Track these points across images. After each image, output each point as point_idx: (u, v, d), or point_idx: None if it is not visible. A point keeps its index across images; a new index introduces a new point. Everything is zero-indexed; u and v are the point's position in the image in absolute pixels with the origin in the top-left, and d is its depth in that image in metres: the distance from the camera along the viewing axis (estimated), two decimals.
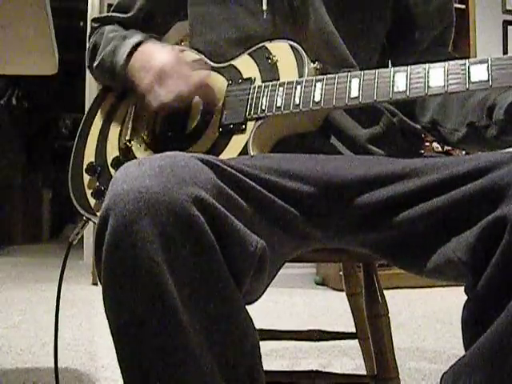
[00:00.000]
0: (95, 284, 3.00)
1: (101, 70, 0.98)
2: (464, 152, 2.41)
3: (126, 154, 0.91)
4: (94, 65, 0.99)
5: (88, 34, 1.07)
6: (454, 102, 0.87)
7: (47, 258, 4.31)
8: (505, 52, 3.73)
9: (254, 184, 0.68)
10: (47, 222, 6.23)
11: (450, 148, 2.90)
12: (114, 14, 1.06)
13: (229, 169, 0.65)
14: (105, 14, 1.09)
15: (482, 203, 0.62)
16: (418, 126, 0.94)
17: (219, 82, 0.89)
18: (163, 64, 0.86)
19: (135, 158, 0.90)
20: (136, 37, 0.93)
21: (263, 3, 0.89)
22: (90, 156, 0.95)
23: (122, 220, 0.55)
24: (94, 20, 1.08)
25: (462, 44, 3.23)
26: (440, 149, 2.98)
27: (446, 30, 0.96)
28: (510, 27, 3.75)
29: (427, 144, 2.90)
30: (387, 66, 0.93)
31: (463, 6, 3.24)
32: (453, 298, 2.59)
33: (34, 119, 6.31)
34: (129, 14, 1.04)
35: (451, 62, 0.71)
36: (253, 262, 0.62)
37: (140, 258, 0.55)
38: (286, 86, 0.80)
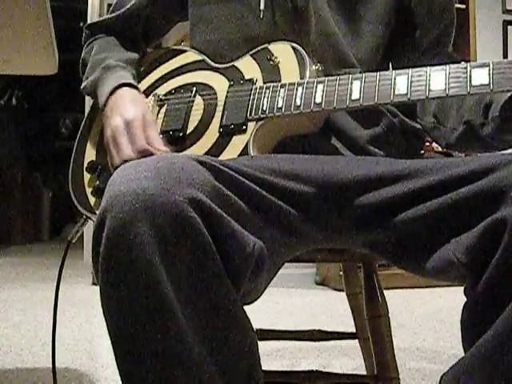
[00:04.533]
0: (95, 284, 3.00)
1: (87, 91, 0.98)
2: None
3: None
4: (81, 86, 0.99)
5: (83, 41, 1.07)
6: (452, 101, 0.87)
7: (47, 257, 4.31)
8: (505, 52, 3.74)
9: (252, 185, 0.68)
10: (47, 222, 6.24)
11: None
12: (106, 17, 1.05)
13: (227, 170, 0.65)
14: (97, 19, 1.08)
15: (482, 205, 0.62)
16: (419, 127, 0.94)
17: (220, 83, 0.89)
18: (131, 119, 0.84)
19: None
20: (115, 76, 0.92)
21: (261, 3, 0.89)
22: (90, 155, 0.95)
23: (118, 221, 0.55)
24: (86, 27, 1.07)
25: (462, 44, 3.23)
26: (440, 149, 2.97)
27: (446, 29, 0.96)
28: (509, 27, 3.75)
29: (427, 144, 2.90)
30: (389, 67, 0.93)
31: (463, 6, 3.24)
32: (453, 298, 2.59)
33: (34, 119, 6.32)
34: (119, 11, 1.03)
35: (452, 66, 0.71)
36: (250, 263, 0.62)
37: (137, 260, 0.55)
38: (287, 87, 0.81)
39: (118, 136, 0.83)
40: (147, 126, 0.83)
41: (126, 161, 0.79)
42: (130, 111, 0.84)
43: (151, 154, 0.79)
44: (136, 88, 0.91)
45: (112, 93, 0.89)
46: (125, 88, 0.90)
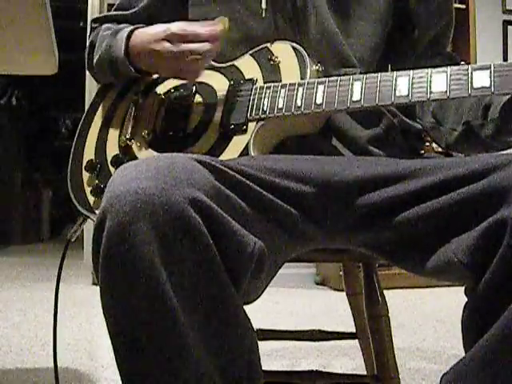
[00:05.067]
0: (95, 284, 3.00)
1: (101, 67, 0.97)
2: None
3: (126, 153, 0.91)
4: (93, 63, 0.99)
5: (88, 35, 1.07)
6: (452, 102, 0.87)
7: (47, 257, 4.31)
8: (505, 52, 3.74)
9: (253, 185, 0.68)
10: (47, 222, 6.23)
11: None
12: (113, 13, 1.06)
13: (227, 169, 0.65)
14: (104, 14, 1.09)
15: (483, 205, 0.62)
16: (419, 127, 0.94)
17: (220, 83, 0.89)
18: (166, 27, 0.86)
19: (135, 156, 0.90)
20: (127, 27, 0.94)
21: (262, 2, 0.89)
22: (89, 154, 0.95)
23: (118, 221, 0.55)
24: (93, 20, 1.08)
25: (462, 44, 3.23)
26: (440, 149, 2.97)
27: (445, 29, 0.96)
28: (510, 27, 3.75)
29: (427, 144, 2.90)
30: (388, 67, 0.93)
31: (463, 6, 3.25)
32: (453, 298, 2.58)
33: (34, 119, 6.32)
34: (129, 11, 1.04)
35: (454, 68, 0.71)
36: (250, 263, 0.62)
37: (137, 260, 0.55)
38: (287, 87, 0.80)
39: (172, 49, 0.84)
40: (187, 26, 0.85)
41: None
42: (161, 28, 0.86)
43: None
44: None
45: (130, 35, 0.90)
46: (139, 29, 0.91)
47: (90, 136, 0.97)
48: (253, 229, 0.64)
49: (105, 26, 1.03)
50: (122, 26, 0.98)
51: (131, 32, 0.91)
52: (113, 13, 1.06)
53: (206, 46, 0.82)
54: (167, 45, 0.84)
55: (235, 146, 0.82)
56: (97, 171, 0.92)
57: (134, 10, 1.04)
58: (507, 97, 0.75)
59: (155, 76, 0.96)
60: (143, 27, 0.92)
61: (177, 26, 0.85)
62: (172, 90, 0.93)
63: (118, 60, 0.92)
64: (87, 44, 1.04)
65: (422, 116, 0.94)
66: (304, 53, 0.83)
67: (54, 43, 1.11)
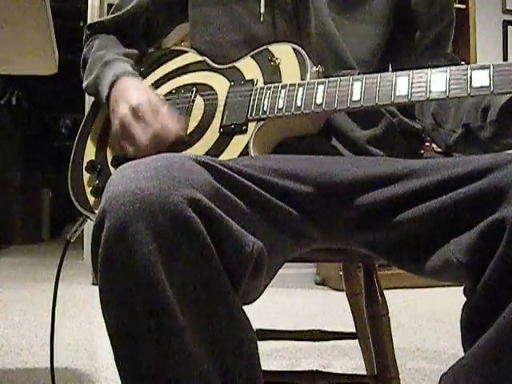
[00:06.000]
0: (95, 284, 3.00)
1: (89, 90, 0.98)
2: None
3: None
4: (83, 86, 1.00)
5: (83, 40, 1.07)
6: (451, 103, 0.87)
7: (47, 257, 4.32)
8: (505, 52, 3.74)
9: (252, 185, 0.68)
10: (47, 222, 6.24)
11: None
12: (107, 18, 1.05)
13: (226, 170, 0.65)
14: (98, 20, 1.08)
15: (482, 205, 0.62)
16: (419, 127, 0.95)
17: (220, 84, 0.89)
18: (133, 104, 0.84)
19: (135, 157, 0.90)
20: (115, 68, 0.92)
21: (261, 6, 0.89)
22: (90, 154, 0.95)
23: (117, 221, 0.55)
24: (87, 27, 1.07)
25: (462, 44, 3.24)
26: (440, 149, 2.97)
27: (446, 30, 0.96)
28: (510, 27, 3.75)
29: (427, 144, 2.90)
30: (387, 68, 0.93)
31: (463, 6, 3.25)
32: (453, 298, 2.58)
33: (34, 119, 6.32)
34: (122, 10, 1.03)
35: (453, 68, 0.71)
36: (249, 263, 0.62)
37: (136, 260, 0.55)
38: (288, 88, 0.81)
39: (128, 125, 0.83)
40: (156, 108, 0.83)
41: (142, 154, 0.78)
42: (134, 97, 0.85)
43: (166, 138, 0.81)
44: (136, 77, 0.91)
45: (113, 85, 0.90)
46: (125, 78, 0.91)
47: (91, 137, 0.98)
48: (252, 229, 0.64)
49: (98, 41, 1.02)
50: (111, 57, 0.96)
51: (115, 81, 0.90)
52: (107, 17, 1.06)
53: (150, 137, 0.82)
54: (128, 118, 0.84)
55: (235, 147, 0.82)
56: (97, 172, 0.92)
57: (124, 11, 1.03)
58: (505, 99, 0.75)
59: (155, 79, 0.97)
60: (130, 72, 0.92)
61: (147, 106, 0.83)
62: (173, 91, 0.93)
63: (101, 98, 0.92)
64: (82, 55, 1.04)
65: (422, 117, 0.94)
66: (304, 54, 0.83)
67: (54, 43, 1.11)
